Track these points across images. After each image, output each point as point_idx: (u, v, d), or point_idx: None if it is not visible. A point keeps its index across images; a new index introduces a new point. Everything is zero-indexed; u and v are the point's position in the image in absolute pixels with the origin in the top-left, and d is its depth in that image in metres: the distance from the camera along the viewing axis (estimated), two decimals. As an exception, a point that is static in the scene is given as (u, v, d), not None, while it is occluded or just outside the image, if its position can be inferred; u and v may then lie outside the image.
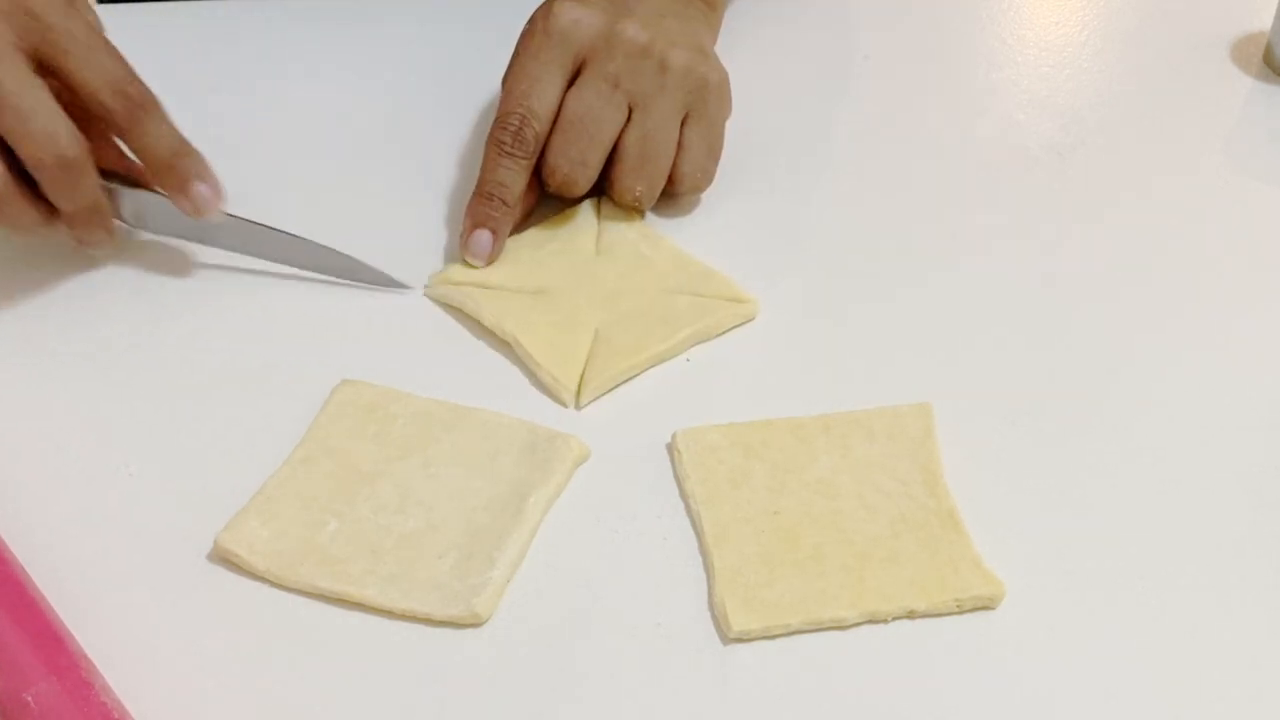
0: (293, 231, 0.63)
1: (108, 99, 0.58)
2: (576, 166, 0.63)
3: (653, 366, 0.61)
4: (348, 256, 0.63)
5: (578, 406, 0.59)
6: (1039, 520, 0.55)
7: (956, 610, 0.52)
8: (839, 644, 0.51)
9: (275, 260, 0.64)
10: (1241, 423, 0.59)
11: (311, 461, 0.56)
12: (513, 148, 0.63)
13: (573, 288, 0.63)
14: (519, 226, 0.66)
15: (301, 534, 0.53)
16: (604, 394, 0.60)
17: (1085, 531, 0.55)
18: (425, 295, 0.64)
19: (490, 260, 0.64)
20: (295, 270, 0.64)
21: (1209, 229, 0.69)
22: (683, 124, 0.65)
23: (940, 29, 0.82)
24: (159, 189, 0.62)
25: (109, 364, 0.61)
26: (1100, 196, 0.71)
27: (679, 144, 0.65)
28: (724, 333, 0.62)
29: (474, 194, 0.64)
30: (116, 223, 0.62)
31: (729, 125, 0.68)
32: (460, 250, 0.64)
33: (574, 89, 0.63)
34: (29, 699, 0.46)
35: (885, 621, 0.51)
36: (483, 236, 0.63)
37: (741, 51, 0.73)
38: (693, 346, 0.62)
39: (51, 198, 0.58)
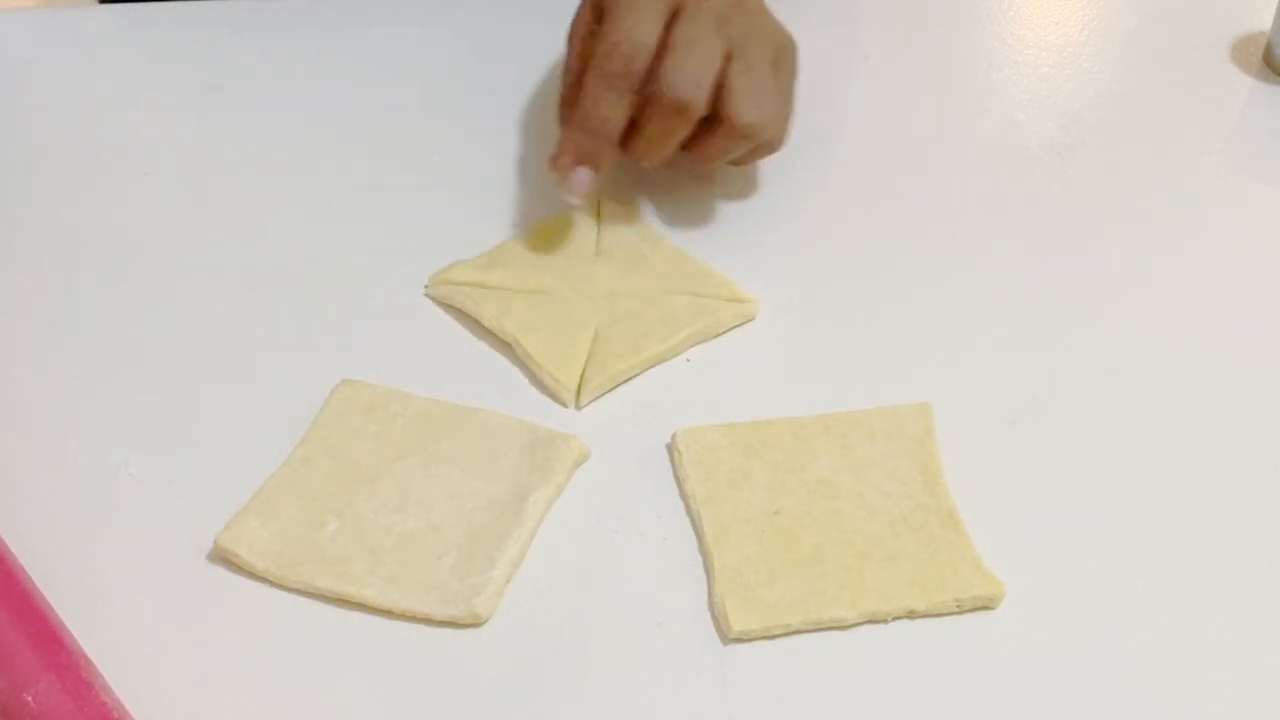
0: (291, 232, 0.63)
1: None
2: (693, 87, 0.60)
3: (653, 366, 0.61)
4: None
5: (578, 407, 0.59)
6: (1039, 520, 0.55)
7: (956, 610, 0.52)
8: (839, 644, 0.51)
9: None
10: (1241, 423, 0.59)
11: (311, 461, 0.56)
12: (620, 79, 0.60)
13: (572, 288, 0.63)
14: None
15: (301, 534, 0.53)
16: (604, 394, 0.60)
17: (1085, 531, 0.55)
18: (426, 295, 0.64)
19: (588, 198, 0.62)
20: (296, 270, 0.64)
21: (1209, 229, 0.69)
22: None
23: (940, 29, 0.82)
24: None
25: (109, 363, 0.61)
26: (1100, 196, 0.71)
27: None
28: (724, 333, 0.62)
29: (569, 127, 0.62)
30: None
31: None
32: (557, 186, 0.62)
33: (679, 21, 0.62)
34: (29, 699, 0.46)
35: (885, 621, 0.51)
36: (584, 174, 0.62)
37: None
38: (693, 346, 0.62)
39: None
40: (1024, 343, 0.62)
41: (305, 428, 0.57)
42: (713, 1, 0.63)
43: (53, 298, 0.64)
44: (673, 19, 0.62)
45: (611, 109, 0.61)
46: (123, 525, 0.54)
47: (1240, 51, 0.79)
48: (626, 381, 0.60)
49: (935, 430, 0.57)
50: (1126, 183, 0.71)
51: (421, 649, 0.50)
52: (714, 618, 0.52)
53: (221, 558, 0.53)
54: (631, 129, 0.62)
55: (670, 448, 0.57)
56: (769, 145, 0.66)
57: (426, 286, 0.64)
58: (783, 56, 0.66)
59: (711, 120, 0.62)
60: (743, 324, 0.63)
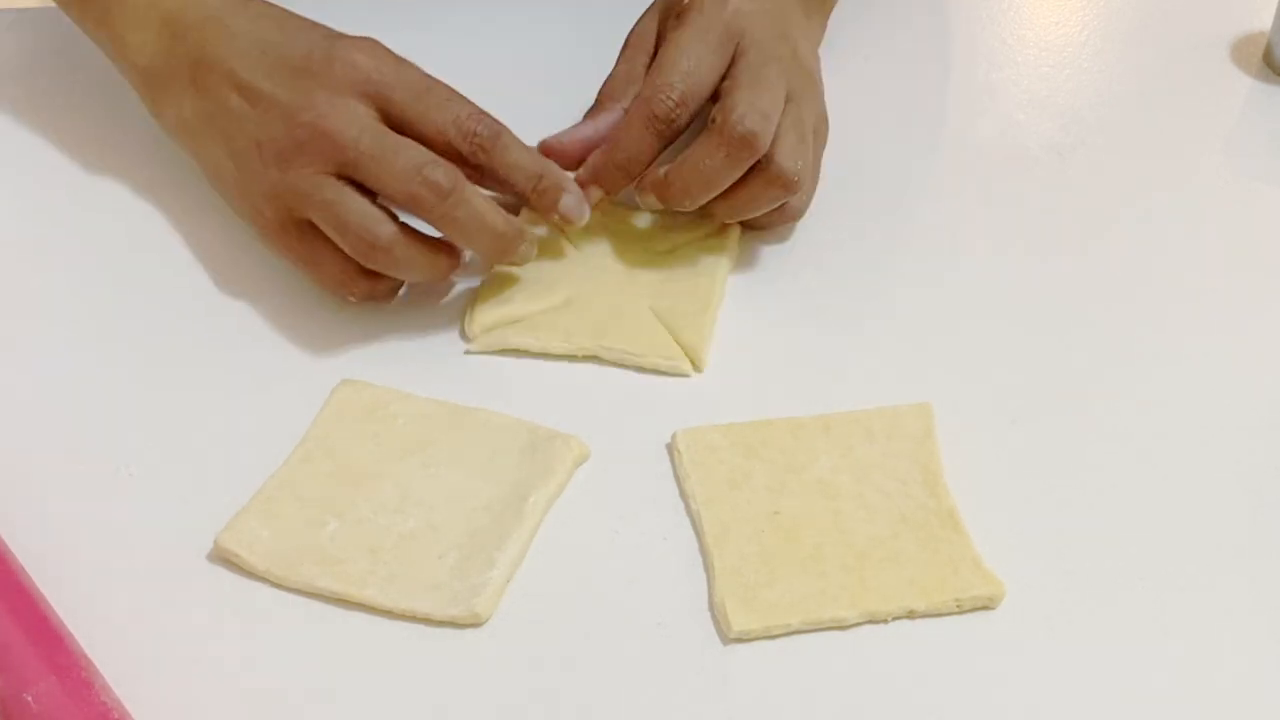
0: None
1: (458, 143, 0.58)
2: (761, 121, 0.59)
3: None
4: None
5: (699, 369, 0.60)
6: (1039, 520, 0.55)
7: (956, 610, 0.52)
8: (839, 644, 0.51)
9: None
10: (1241, 423, 0.59)
11: (311, 461, 0.56)
12: (663, 124, 0.60)
13: (590, 285, 0.63)
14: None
15: (301, 534, 0.53)
16: (707, 351, 0.61)
17: (1085, 531, 0.55)
18: (469, 353, 0.61)
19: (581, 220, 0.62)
20: (295, 269, 0.64)
21: (1209, 229, 0.69)
22: None
23: (940, 29, 0.82)
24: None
25: (109, 363, 0.61)
26: (1100, 196, 0.70)
27: None
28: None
29: (602, 153, 0.62)
30: None
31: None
32: (563, 197, 0.61)
33: (745, 59, 0.61)
34: (29, 699, 0.46)
35: (885, 621, 0.51)
36: (595, 193, 0.62)
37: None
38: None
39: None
40: (1024, 343, 0.62)
41: (305, 428, 0.57)
42: (778, 49, 0.62)
43: (52, 297, 0.64)
44: (735, 59, 0.61)
45: (643, 148, 0.61)
46: (123, 525, 0.54)
47: (1240, 51, 0.79)
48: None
49: (935, 430, 0.57)
50: (1126, 183, 0.71)
51: (421, 649, 0.50)
52: (714, 618, 0.52)
53: (221, 558, 0.53)
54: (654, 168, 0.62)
55: (670, 448, 0.57)
56: (794, 209, 0.65)
57: (467, 349, 0.61)
58: (822, 126, 0.65)
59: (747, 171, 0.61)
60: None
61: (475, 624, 0.51)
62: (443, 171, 0.57)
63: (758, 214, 0.63)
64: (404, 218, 0.58)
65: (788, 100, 0.61)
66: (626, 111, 0.62)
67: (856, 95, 0.77)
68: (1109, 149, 0.73)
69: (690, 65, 0.60)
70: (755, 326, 0.63)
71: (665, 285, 0.63)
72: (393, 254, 0.58)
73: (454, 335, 0.62)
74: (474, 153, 0.59)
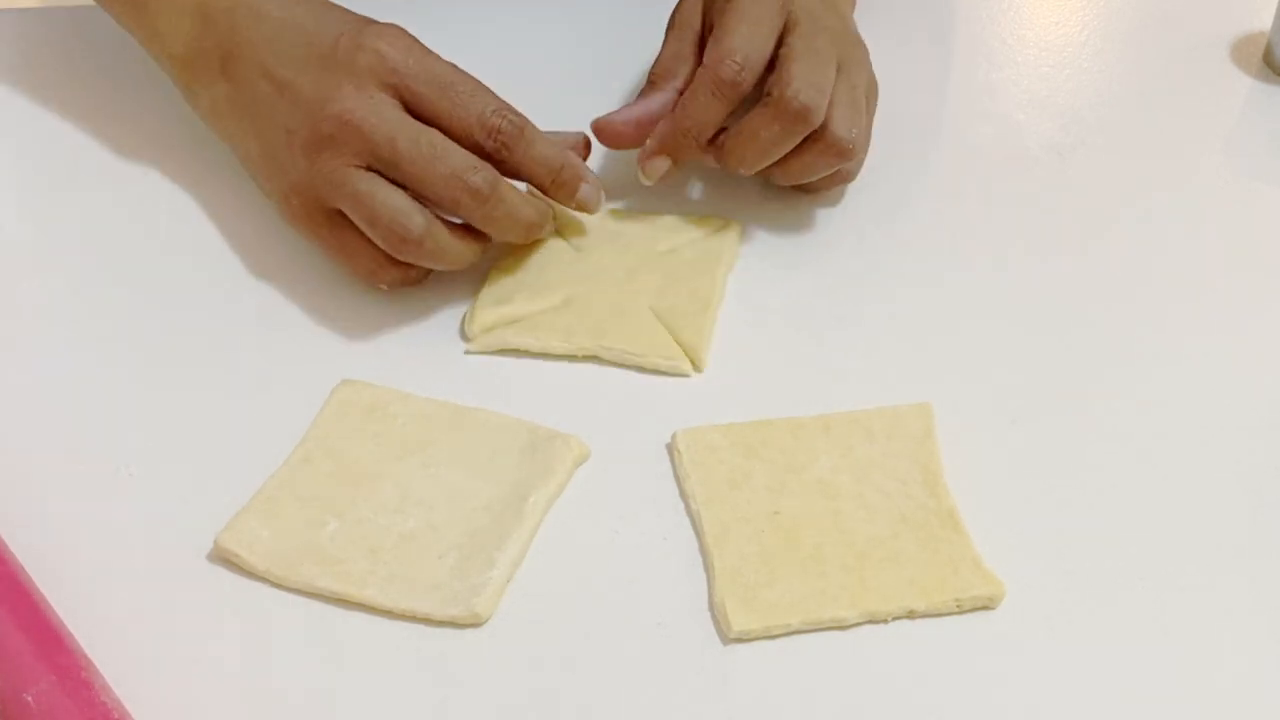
0: (292, 230, 0.63)
1: (482, 140, 0.59)
2: (816, 94, 0.60)
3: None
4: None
5: (699, 369, 0.60)
6: (1039, 520, 0.55)
7: (956, 610, 0.52)
8: (839, 644, 0.51)
9: None
10: (1241, 423, 0.59)
11: (311, 461, 0.56)
12: (729, 88, 0.61)
13: (589, 285, 0.63)
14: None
15: (301, 534, 0.53)
16: (707, 351, 0.61)
17: (1085, 531, 0.55)
18: (468, 353, 0.61)
19: (660, 182, 0.64)
20: (296, 269, 0.64)
21: (1209, 229, 0.69)
22: None
23: (940, 29, 0.82)
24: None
25: (109, 363, 0.61)
26: (1100, 196, 0.70)
27: None
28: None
29: (669, 121, 0.63)
30: None
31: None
32: (640, 163, 0.64)
33: (796, 32, 0.62)
34: (29, 699, 0.46)
35: (885, 621, 0.51)
36: (663, 163, 0.63)
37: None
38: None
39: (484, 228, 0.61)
40: (1024, 343, 0.62)
41: (305, 428, 0.57)
42: (828, 18, 0.64)
43: (52, 297, 0.64)
44: (787, 30, 0.62)
45: (711, 114, 0.62)
46: (123, 526, 0.54)
47: (1240, 51, 0.79)
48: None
49: (935, 430, 0.57)
50: (1126, 183, 0.71)
51: (421, 649, 0.50)
52: (714, 618, 0.52)
53: (221, 558, 0.53)
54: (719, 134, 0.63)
55: (670, 448, 0.57)
56: (848, 172, 0.67)
57: (467, 349, 0.61)
58: (873, 91, 0.67)
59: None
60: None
61: (475, 624, 0.51)
62: (482, 177, 0.58)
63: (813, 179, 0.65)
64: None
65: (839, 69, 0.63)
66: (691, 82, 0.63)
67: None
68: (1109, 149, 0.73)
69: (750, 32, 0.62)
70: (755, 326, 0.63)
71: (665, 285, 0.63)
72: (424, 246, 0.58)
73: (454, 335, 0.62)
74: (498, 149, 0.59)
